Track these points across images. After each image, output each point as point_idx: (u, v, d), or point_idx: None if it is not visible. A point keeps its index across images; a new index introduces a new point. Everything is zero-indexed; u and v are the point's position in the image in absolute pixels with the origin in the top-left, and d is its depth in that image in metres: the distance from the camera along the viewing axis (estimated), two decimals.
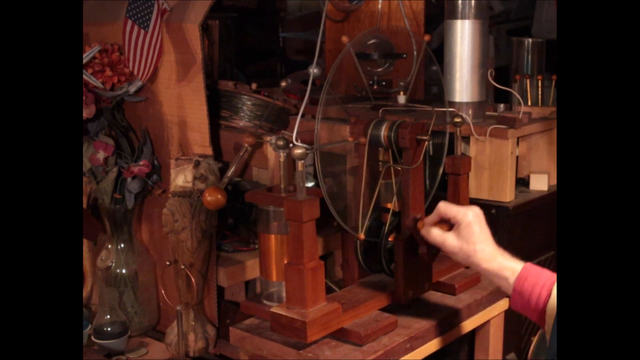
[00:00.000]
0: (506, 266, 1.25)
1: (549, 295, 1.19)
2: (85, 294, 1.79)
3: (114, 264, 1.68)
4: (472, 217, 1.28)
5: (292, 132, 1.29)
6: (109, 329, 1.63)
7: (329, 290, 1.40)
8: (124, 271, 1.68)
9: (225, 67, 2.40)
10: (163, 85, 1.62)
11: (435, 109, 1.57)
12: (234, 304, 1.58)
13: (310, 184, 1.80)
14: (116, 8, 1.66)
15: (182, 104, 1.59)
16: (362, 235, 1.40)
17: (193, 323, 1.56)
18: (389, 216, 1.43)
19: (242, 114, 1.78)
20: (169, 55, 1.59)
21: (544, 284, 1.20)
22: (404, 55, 2.09)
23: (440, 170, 1.56)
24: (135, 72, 1.62)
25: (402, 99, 1.98)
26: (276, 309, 1.30)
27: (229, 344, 1.50)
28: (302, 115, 1.32)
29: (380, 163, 1.46)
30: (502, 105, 1.99)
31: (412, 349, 1.39)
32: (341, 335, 1.34)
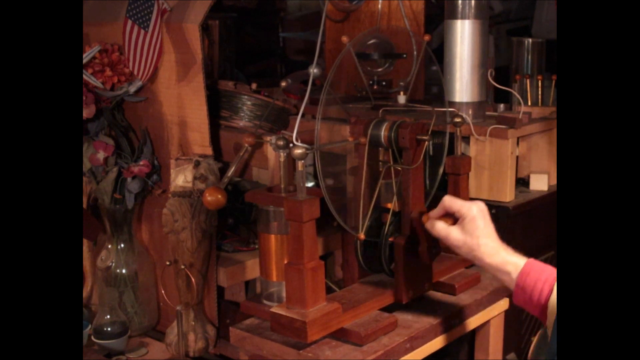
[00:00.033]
0: (509, 261, 1.25)
1: (551, 291, 1.19)
2: (85, 294, 1.79)
3: (114, 264, 1.68)
4: (476, 212, 1.28)
5: (292, 132, 1.29)
6: (109, 329, 1.63)
7: (329, 290, 1.40)
8: (124, 271, 1.68)
9: (225, 67, 2.40)
10: (163, 85, 1.62)
11: (435, 109, 1.57)
12: (234, 304, 1.58)
13: (310, 184, 1.80)
14: (116, 8, 1.66)
15: (182, 104, 1.59)
16: (362, 235, 1.40)
17: (193, 323, 1.56)
18: (389, 216, 1.43)
19: (242, 114, 1.78)
20: (169, 55, 1.59)
21: (546, 279, 1.20)
22: (404, 55, 2.10)
23: (440, 170, 1.56)
24: (135, 72, 1.62)
25: (402, 99, 1.98)
26: (276, 309, 1.30)
27: (229, 344, 1.50)
28: (302, 115, 1.32)
29: (380, 163, 1.46)
30: (502, 105, 1.99)
31: (412, 349, 1.39)
32: (341, 335, 1.34)
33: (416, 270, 1.44)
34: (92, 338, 1.62)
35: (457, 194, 1.54)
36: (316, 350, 1.32)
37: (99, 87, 1.61)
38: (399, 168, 1.42)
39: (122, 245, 1.68)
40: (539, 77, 2.08)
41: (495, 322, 1.64)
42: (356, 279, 1.50)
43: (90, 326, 1.65)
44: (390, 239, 1.43)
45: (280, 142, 1.40)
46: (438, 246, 1.44)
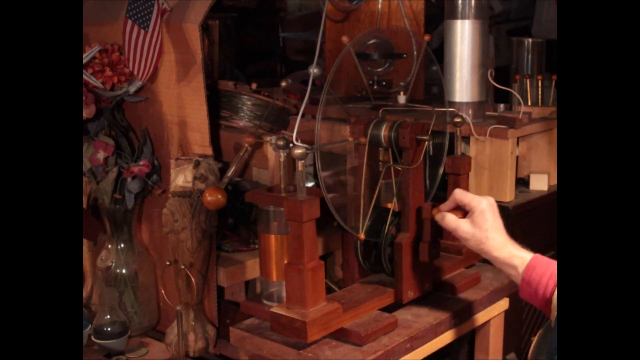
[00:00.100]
0: (516, 255, 1.26)
1: (556, 286, 1.19)
2: (85, 294, 1.79)
3: (114, 264, 1.68)
4: (485, 205, 1.30)
5: (292, 132, 1.29)
6: (109, 329, 1.63)
7: (329, 290, 1.40)
8: (124, 271, 1.68)
9: (225, 67, 2.40)
10: (163, 85, 1.62)
11: (435, 109, 1.57)
12: (234, 304, 1.58)
13: (310, 184, 1.80)
14: (116, 8, 1.66)
15: (182, 104, 1.59)
16: (362, 235, 1.40)
17: (193, 323, 1.56)
18: (389, 216, 1.43)
19: (242, 114, 1.78)
20: (169, 55, 1.59)
21: (551, 274, 1.21)
22: (404, 55, 2.10)
23: (440, 170, 1.56)
24: (135, 72, 1.62)
25: (402, 99, 1.98)
26: (276, 309, 1.30)
27: (229, 344, 1.50)
28: (302, 115, 1.32)
29: (380, 163, 1.46)
30: (502, 105, 1.99)
31: (412, 349, 1.39)
32: (341, 335, 1.34)
33: (416, 270, 1.44)
34: (92, 338, 1.62)
35: None
36: (316, 350, 1.32)
37: (99, 87, 1.61)
38: (399, 168, 1.42)
39: (122, 245, 1.68)
40: (539, 77, 2.08)
41: (495, 322, 1.64)
42: (356, 279, 1.50)
43: (90, 326, 1.65)
44: (390, 239, 1.43)
45: (280, 142, 1.40)
46: (438, 246, 1.44)
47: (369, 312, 1.40)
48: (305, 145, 1.25)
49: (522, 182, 1.93)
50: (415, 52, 2.05)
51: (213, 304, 1.59)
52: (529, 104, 2.04)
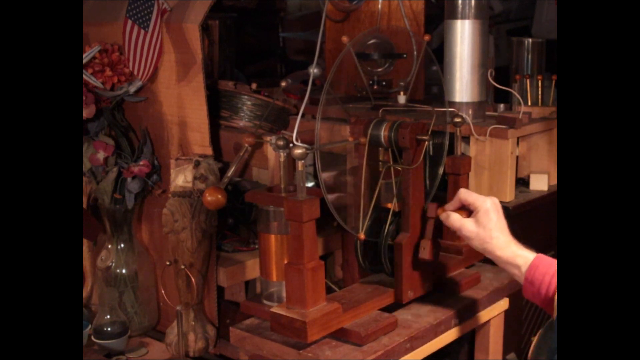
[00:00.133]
0: (519, 254, 1.27)
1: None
2: (85, 294, 1.79)
3: (114, 264, 1.68)
4: (490, 205, 1.32)
5: (292, 132, 1.29)
6: (109, 329, 1.63)
7: (329, 290, 1.40)
8: (124, 271, 1.68)
9: (225, 67, 2.40)
10: (163, 85, 1.62)
11: (435, 109, 1.57)
12: (234, 304, 1.58)
13: (310, 184, 1.80)
14: (116, 8, 1.66)
15: (182, 104, 1.59)
16: (362, 235, 1.40)
17: (193, 323, 1.56)
18: (389, 216, 1.43)
19: (242, 114, 1.78)
20: (169, 55, 1.59)
21: (554, 273, 1.22)
22: (404, 55, 2.10)
23: (440, 170, 1.56)
24: (135, 72, 1.62)
25: (402, 99, 1.98)
26: (276, 309, 1.30)
27: (229, 344, 1.50)
28: (302, 115, 1.32)
29: (380, 163, 1.46)
30: (502, 105, 1.99)
31: (412, 349, 1.39)
32: (341, 335, 1.34)
33: (416, 270, 1.44)
34: (92, 338, 1.62)
35: None
36: (316, 350, 1.32)
37: (99, 87, 1.61)
38: (399, 168, 1.42)
39: (122, 245, 1.68)
40: (539, 77, 2.08)
41: (495, 322, 1.64)
42: (356, 279, 1.50)
43: (90, 326, 1.65)
44: (390, 239, 1.43)
45: (280, 142, 1.40)
46: (438, 246, 1.44)
47: (369, 312, 1.40)
48: (305, 145, 1.25)
49: (522, 182, 1.93)
50: (415, 52, 2.05)
51: (213, 304, 1.59)
52: (529, 104, 2.04)
